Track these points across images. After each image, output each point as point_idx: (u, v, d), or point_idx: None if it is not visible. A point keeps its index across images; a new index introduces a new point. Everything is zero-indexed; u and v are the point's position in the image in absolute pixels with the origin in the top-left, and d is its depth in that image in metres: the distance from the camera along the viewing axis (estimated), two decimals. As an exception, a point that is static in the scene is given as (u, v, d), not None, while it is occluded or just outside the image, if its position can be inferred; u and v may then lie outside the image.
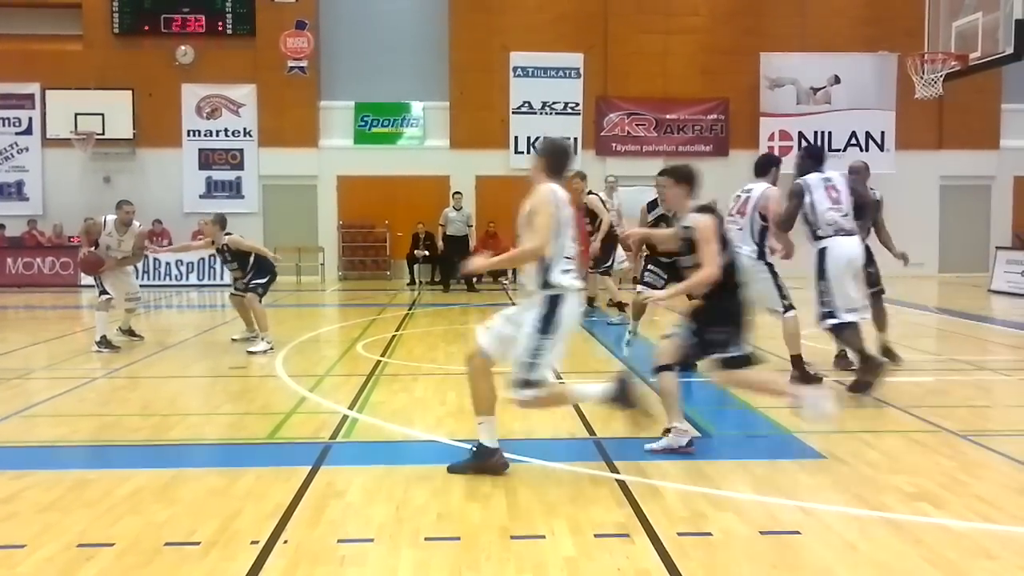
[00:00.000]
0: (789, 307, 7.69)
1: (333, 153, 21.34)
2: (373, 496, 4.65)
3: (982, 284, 18.63)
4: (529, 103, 21.52)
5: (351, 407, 6.84)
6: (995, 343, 11.07)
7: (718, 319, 5.28)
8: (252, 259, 10.13)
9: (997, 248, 19.25)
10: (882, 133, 21.47)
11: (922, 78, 16.66)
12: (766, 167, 8.11)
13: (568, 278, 4.85)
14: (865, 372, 7.11)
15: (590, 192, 12.16)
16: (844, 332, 7.24)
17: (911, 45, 18.02)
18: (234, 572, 3.65)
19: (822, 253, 7.27)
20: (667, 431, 5.47)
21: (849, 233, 7.32)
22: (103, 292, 10.06)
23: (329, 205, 21.51)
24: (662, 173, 5.94)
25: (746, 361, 5.34)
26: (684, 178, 5.59)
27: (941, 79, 16.43)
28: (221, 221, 10.29)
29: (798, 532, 4.13)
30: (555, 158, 5.08)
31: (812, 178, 7.51)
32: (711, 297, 5.28)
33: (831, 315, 7.19)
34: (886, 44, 20.88)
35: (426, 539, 4.03)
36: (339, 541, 4.02)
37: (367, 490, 4.75)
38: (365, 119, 21.55)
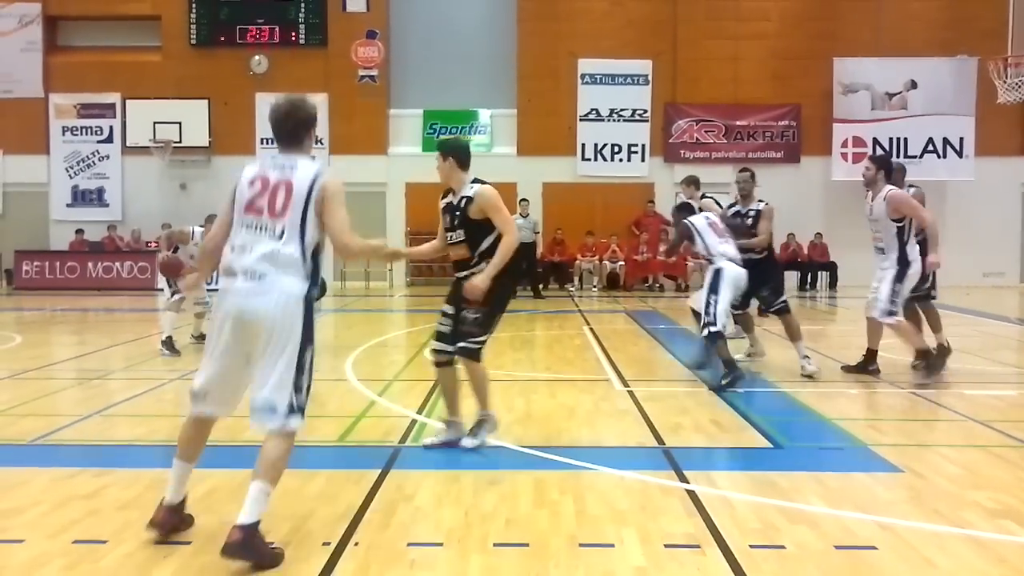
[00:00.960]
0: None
1: (402, 160, 21.59)
2: (442, 500, 4.68)
3: (1067, 295, 17.97)
4: (596, 110, 21.49)
5: (419, 411, 6.90)
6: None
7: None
8: None
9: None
10: (961, 139, 20.87)
11: (1005, 82, 16.19)
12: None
13: None
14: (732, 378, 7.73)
15: (704, 196, 11.59)
16: (718, 340, 7.88)
17: (992, 48, 17.54)
18: (306, 573, 3.71)
19: (718, 273, 8.05)
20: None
21: (733, 259, 8.18)
22: (175, 292, 10.27)
23: (397, 211, 21.75)
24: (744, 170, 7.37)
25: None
26: None
27: (1024, 83, 15.95)
28: None
29: (874, 547, 4.03)
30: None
31: (698, 221, 8.47)
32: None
33: (713, 324, 7.83)
34: (965, 47, 20.31)
35: (495, 545, 4.04)
36: (409, 545, 4.05)
37: (436, 494, 4.78)
38: (433, 126, 21.75)
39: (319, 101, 21.63)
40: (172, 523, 4.12)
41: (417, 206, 21.47)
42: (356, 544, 4.03)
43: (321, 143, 21.79)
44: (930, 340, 8.60)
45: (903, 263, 8.03)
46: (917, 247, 8.14)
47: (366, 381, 8.27)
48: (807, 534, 4.18)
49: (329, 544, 4.01)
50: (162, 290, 10.90)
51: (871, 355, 8.45)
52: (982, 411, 6.93)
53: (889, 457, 5.55)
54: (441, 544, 4.05)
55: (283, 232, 4.00)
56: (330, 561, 3.82)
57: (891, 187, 8.15)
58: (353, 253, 4.31)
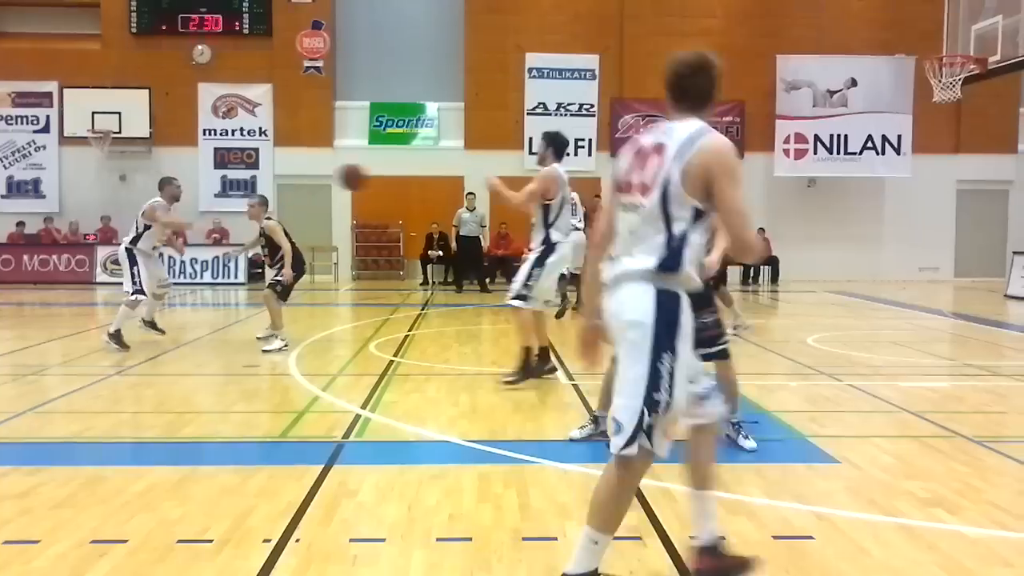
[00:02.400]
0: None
1: (348, 153, 21.21)
2: (385, 496, 4.65)
3: (998, 289, 18.51)
4: (544, 104, 21.52)
5: (364, 407, 6.85)
6: (1010, 348, 10.98)
7: None
8: (280, 254, 10.18)
9: (1014, 253, 19.12)
10: (899, 137, 21.34)
11: (940, 81, 16.57)
12: None
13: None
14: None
15: None
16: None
17: (929, 48, 17.92)
18: (246, 570, 3.66)
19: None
20: None
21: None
22: (138, 291, 9.95)
23: (343, 205, 21.55)
24: None
25: None
26: None
27: (959, 83, 16.34)
28: (264, 203, 10.39)
29: (811, 537, 4.11)
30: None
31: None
32: None
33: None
34: (903, 47, 20.77)
35: (438, 539, 4.03)
36: (351, 540, 4.02)
37: (379, 490, 4.75)
38: (380, 119, 21.60)
39: (263, 92, 21.40)
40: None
41: (364, 199, 21.30)
42: (297, 541, 3.99)
43: (265, 135, 21.54)
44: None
45: (547, 245, 7.77)
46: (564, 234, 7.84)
47: (310, 376, 8.19)
48: (746, 525, 4.25)
49: (270, 541, 3.97)
50: (100, 284, 10.64)
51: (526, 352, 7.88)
52: (916, 403, 7.11)
53: (827, 448, 5.66)
54: (384, 540, 4.03)
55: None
56: (270, 558, 3.78)
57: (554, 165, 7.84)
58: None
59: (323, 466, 5.13)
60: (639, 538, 4.05)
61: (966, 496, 4.70)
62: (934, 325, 13.20)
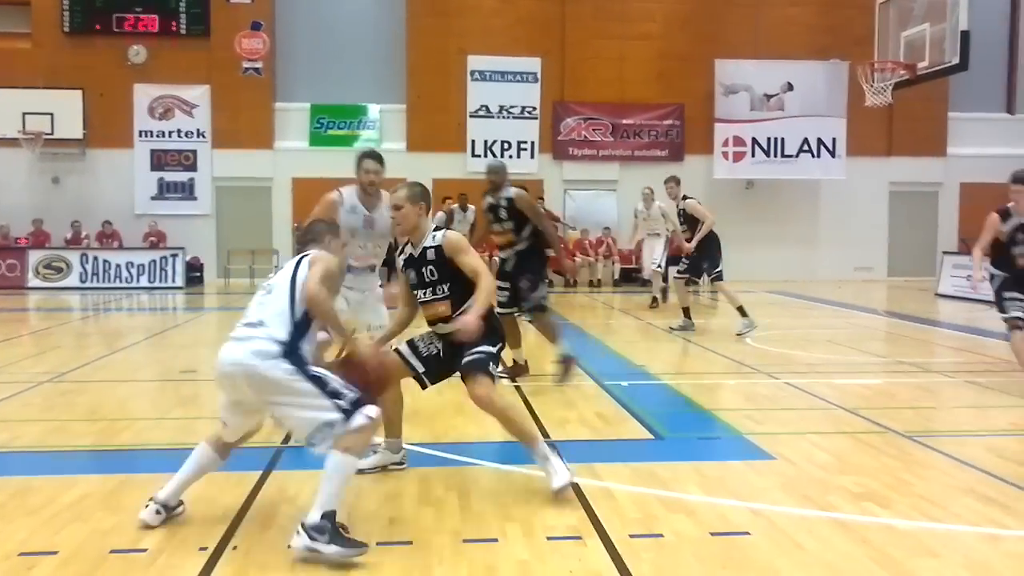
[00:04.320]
0: None
1: (288, 155, 21.15)
2: (325, 501, 4.60)
3: (929, 288, 19.02)
4: (487, 107, 21.53)
5: (304, 411, 6.76)
6: (941, 346, 11.30)
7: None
8: None
9: (944, 253, 19.67)
10: (833, 140, 21.80)
11: (872, 86, 16.98)
12: None
13: None
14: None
15: (686, 197, 11.73)
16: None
17: (862, 54, 18.35)
18: (181, 579, 3.60)
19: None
20: None
21: None
22: None
23: (284, 207, 21.28)
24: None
25: None
26: None
27: (890, 87, 16.77)
28: None
29: (748, 533, 4.17)
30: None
31: None
32: None
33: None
34: (837, 52, 21.22)
35: (378, 544, 4.00)
36: (290, 547, 3.97)
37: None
38: (321, 121, 21.39)
39: (200, 93, 21.05)
40: None
41: (304, 201, 21.05)
42: (235, 548, 3.94)
43: (203, 137, 21.19)
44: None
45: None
46: None
47: (249, 381, 8.06)
48: (684, 522, 4.30)
49: (206, 549, 3.90)
50: (32, 289, 10.34)
51: None
52: (850, 399, 7.28)
53: (763, 445, 5.76)
54: (323, 545, 3.99)
55: None
56: (207, 566, 3.72)
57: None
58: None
59: (261, 472, 5.07)
60: (579, 537, 4.08)
61: (896, 490, 4.82)
62: (868, 323, 13.52)
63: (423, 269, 4.88)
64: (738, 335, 10.85)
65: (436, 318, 4.92)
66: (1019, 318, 7.66)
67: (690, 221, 11.73)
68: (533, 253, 8.05)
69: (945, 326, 13.24)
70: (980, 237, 7.89)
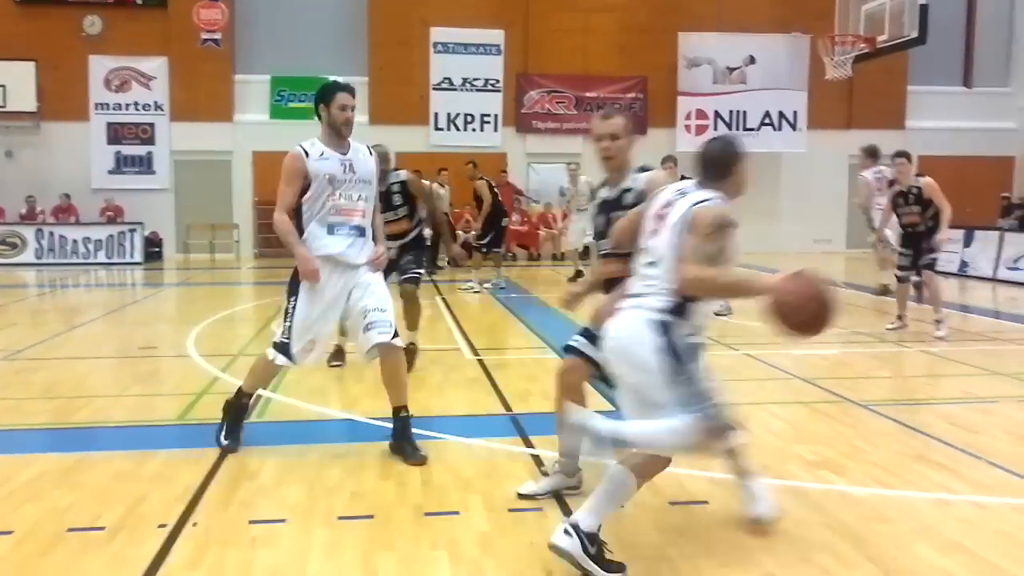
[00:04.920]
0: None
1: (248, 128, 20.86)
2: (286, 476, 4.60)
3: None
4: (450, 79, 21.38)
5: (265, 386, 6.73)
6: (896, 316, 11.46)
7: None
8: None
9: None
10: (795, 113, 21.96)
11: (832, 59, 17.12)
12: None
13: None
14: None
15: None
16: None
17: (822, 27, 18.45)
18: (140, 557, 3.58)
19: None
20: None
21: None
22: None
23: (244, 181, 21.05)
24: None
25: None
26: None
27: (850, 61, 16.92)
28: None
29: (706, 502, 4.24)
30: None
31: None
32: None
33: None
34: (799, 25, 21.32)
35: (339, 518, 4.01)
36: (250, 522, 3.97)
37: (280, 470, 4.69)
38: (282, 93, 21.11)
39: (157, 66, 20.67)
40: None
41: (265, 175, 20.82)
42: (195, 525, 3.92)
43: (161, 109, 20.83)
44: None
45: None
46: None
47: (209, 356, 8.01)
48: (644, 492, 4.31)
49: (165, 526, 3.89)
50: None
51: None
52: (807, 369, 7.39)
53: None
54: (284, 520, 3.99)
55: None
56: (166, 544, 3.70)
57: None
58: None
59: (221, 448, 5.04)
60: (540, 509, 4.11)
61: (851, 457, 4.92)
62: (827, 295, 13.66)
63: (612, 215, 4.12)
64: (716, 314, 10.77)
65: (611, 276, 4.14)
66: (903, 268, 9.60)
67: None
68: (421, 238, 7.85)
69: (902, 297, 13.43)
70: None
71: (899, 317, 9.75)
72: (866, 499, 4.27)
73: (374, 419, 5.70)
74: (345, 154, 4.98)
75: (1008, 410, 6.11)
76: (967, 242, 16.73)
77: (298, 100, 21.16)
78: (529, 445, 5.17)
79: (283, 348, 4.95)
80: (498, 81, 21.49)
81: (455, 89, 21.38)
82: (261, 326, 10.17)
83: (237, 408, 5.10)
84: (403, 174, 7.63)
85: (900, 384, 7.33)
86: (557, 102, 21.72)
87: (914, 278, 9.85)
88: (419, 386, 6.78)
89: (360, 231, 4.99)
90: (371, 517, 4.03)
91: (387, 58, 21.04)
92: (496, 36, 21.40)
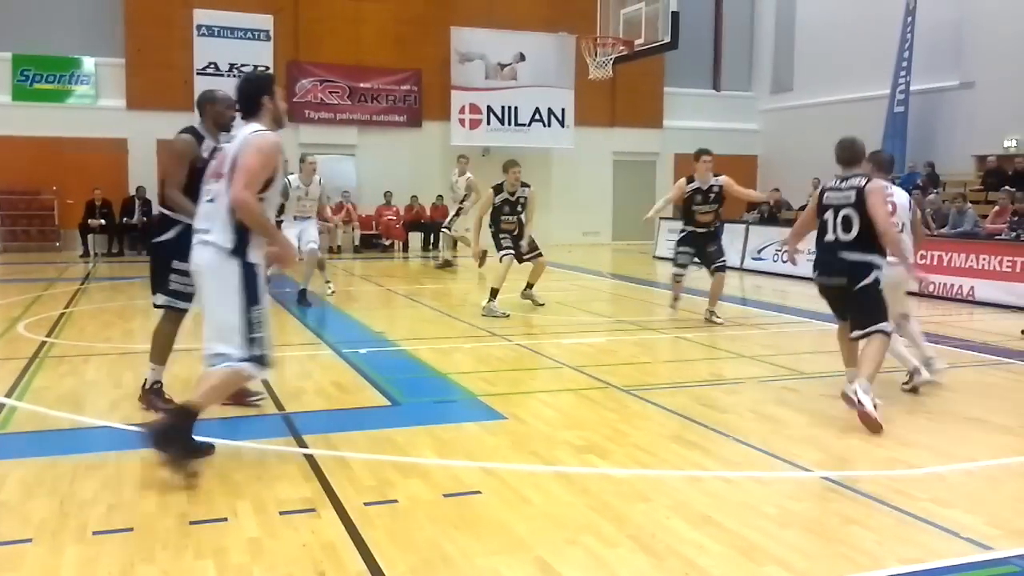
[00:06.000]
0: None
1: (-13, 110, 18.97)
2: (32, 491, 4.24)
3: (648, 251, 20.52)
4: (216, 64, 20.42)
5: (8, 395, 6.18)
6: (657, 304, 12.22)
7: None
8: None
9: (661, 218, 21.26)
10: (563, 110, 22.83)
11: (595, 60, 17.91)
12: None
13: None
14: None
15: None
16: None
17: (587, 28, 19.26)
18: None
19: None
20: None
21: None
22: None
23: (-16, 169, 19.13)
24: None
25: None
26: None
27: (611, 62, 17.77)
28: None
29: (479, 492, 4.33)
30: None
31: None
32: None
33: None
34: (566, 26, 22.13)
35: (94, 533, 3.75)
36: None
37: (26, 485, 4.32)
38: (26, 73, 19.37)
39: None
40: None
41: (7, 162, 19.01)
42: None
43: None
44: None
45: None
46: None
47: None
48: (419, 486, 4.39)
49: None
50: None
51: None
52: (575, 357, 7.73)
53: (496, 406, 5.98)
54: (30, 540, 3.68)
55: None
56: None
57: None
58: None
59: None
60: (313, 510, 4.04)
61: (614, 441, 5.20)
62: (594, 285, 14.37)
63: None
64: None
65: None
66: (679, 268, 9.92)
67: None
68: None
69: (661, 286, 14.33)
70: (670, 193, 10.36)
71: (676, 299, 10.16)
72: (627, 480, 4.53)
73: (134, 425, 5.37)
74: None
75: (752, 390, 6.67)
76: (717, 234, 18.07)
77: (45, 81, 19.59)
78: (302, 444, 5.06)
79: (264, 360, 4.62)
80: (268, 68, 20.73)
81: (222, 75, 20.40)
82: (5, 328, 9.26)
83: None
84: None
85: (659, 368, 7.81)
86: (330, 92, 21.33)
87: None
88: (185, 388, 6.45)
89: None
90: (130, 530, 3.79)
91: (146, 39, 19.80)
92: (264, 21, 20.68)
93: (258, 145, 4.51)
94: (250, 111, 4.71)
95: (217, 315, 4.55)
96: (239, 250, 4.47)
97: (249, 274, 4.51)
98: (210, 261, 4.52)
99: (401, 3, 21.54)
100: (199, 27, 20.20)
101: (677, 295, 10.16)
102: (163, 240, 5.60)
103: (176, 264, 5.40)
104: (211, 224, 4.54)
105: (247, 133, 4.57)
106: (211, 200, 4.61)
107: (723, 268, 9.82)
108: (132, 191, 19.51)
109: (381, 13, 21.44)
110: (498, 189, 10.59)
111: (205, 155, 5.42)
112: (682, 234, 10.04)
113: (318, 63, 21.21)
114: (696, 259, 9.87)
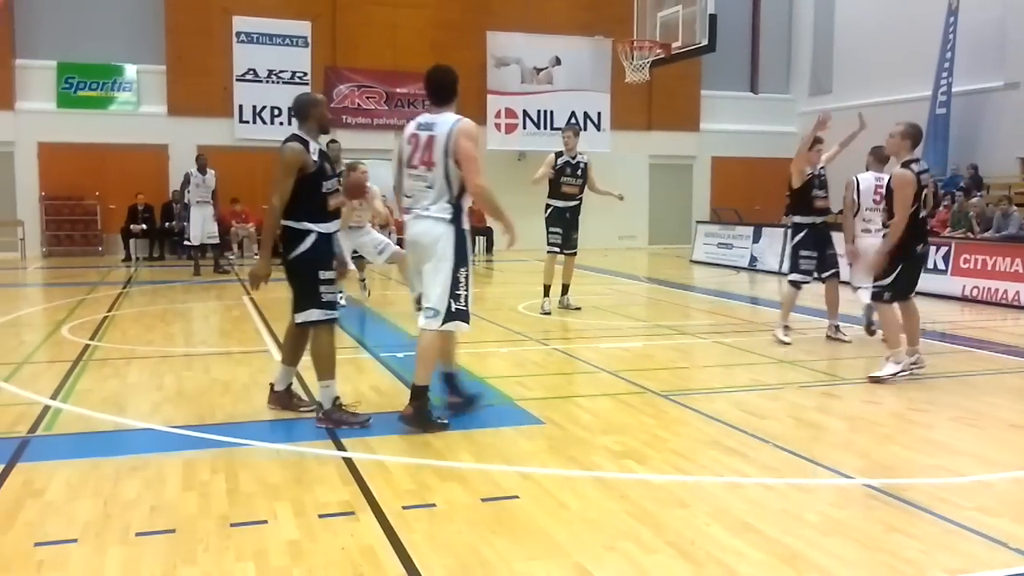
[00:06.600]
0: None
1: (33, 117, 19.33)
2: (77, 492, 4.31)
3: (685, 255, 20.40)
4: (255, 71, 20.68)
5: (54, 397, 6.29)
6: (694, 309, 12.16)
7: None
8: None
9: (697, 222, 21.14)
10: (599, 114, 22.77)
11: (631, 63, 17.86)
12: None
13: None
14: None
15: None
16: None
17: (623, 32, 19.22)
18: (-94, 591, 3.25)
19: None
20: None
21: None
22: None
23: (29, 174, 19.49)
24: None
25: None
26: None
27: (648, 65, 17.70)
28: None
29: (517, 496, 4.32)
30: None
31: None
32: None
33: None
34: (601, 29, 22.10)
35: (137, 534, 3.80)
36: (36, 544, 3.69)
37: (71, 486, 4.39)
38: (70, 81, 19.72)
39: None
40: None
41: (53, 169, 19.40)
42: (-29, 551, 3.60)
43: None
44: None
45: None
46: None
47: (-11, 366, 7.38)
48: (456, 490, 4.39)
49: (-64, 555, 3.55)
50: None
51: None
52: (612, 362, 7.69)
53: (532, 410, 5.97)
54: (75, 540, 3.73)
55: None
56: (-64, 574, 3.38)
57: None
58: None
59: (3, 465, 4.65)
60: (352, 513, 4.06)
61: (652, 446, 5.16)
62: (631, 290, 14.31)
63: None
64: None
65: None
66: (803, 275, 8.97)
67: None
68: None
69: (698, 290, 14.27)
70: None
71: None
72: (665, 486, 4.49)
73: (175, 427, 5.44)
74: None
75: (792, 395, 6.60)
76: (756, 238, 17.93)
77: (89, 88, 19.91)
78: (341, 448, 5.09)
79: (465, 316, 5.48)
80: (306, 74, 21.00)
81: (261, 81, 20.70)
82: (50, 331, 9.46)
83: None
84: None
85: (697, 374, 7.75)
86: (368, 97, 21.49)
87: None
88: (224, 391, 6.55)
89: None
90: (172, 531, 3.84)
91: (186, 47, 20.09)
92: (303, 27, 20.90)
93: (468, 132, 5.29)
94: (446, 99, 5.66)
95: (434, 277, 5.31)
96: (456, 219, 5.34)
97: (460, 239, 5.33)
98: (430, 230, 5.32)
99: (437, 8, 21.65)
100: (238, 34, 20.45)
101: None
102: (300, 253, 5.41)
103: (323, 275, 5.45)
104: (429, 201, 5.35)
105: (452, 121, 5.35)
106: (429, 187, 5.37)
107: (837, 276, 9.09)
108: (171, 196, 19.78)
109: (417, 18, 21.55)
110: (559, 154, 11.35)
111: (314, 159, 5.44)
112: (803, 234, 9.06)
113: (355, 68, 21.38)
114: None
